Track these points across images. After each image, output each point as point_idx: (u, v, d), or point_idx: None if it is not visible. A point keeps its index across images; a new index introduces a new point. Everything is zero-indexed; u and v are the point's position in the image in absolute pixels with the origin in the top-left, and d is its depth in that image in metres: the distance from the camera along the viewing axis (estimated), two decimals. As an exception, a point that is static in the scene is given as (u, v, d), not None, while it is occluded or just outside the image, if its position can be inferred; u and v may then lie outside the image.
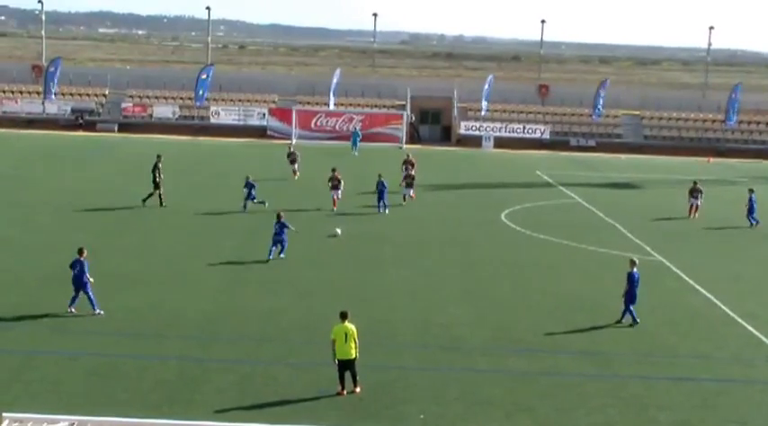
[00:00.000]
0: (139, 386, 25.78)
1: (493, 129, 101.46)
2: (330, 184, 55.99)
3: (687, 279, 41.36)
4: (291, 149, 71.23)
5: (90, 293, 32.73)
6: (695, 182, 60.68)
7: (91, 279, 32.74)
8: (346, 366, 25.81)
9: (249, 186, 54.37)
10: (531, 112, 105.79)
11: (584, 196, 65.44)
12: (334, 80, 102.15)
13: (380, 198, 55.18)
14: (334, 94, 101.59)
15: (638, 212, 59.98)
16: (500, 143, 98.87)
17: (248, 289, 36.55)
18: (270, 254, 41.41)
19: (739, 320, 35.10)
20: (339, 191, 55.70)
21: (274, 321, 32.52)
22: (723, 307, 36.81)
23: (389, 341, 30.42)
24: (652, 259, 45.40)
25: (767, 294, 39.19)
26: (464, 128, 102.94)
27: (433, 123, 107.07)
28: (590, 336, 32.54)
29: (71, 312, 32.57)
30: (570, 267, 42.81)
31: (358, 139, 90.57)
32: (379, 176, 55.76)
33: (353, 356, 25.80)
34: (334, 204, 55.13)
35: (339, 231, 46.15)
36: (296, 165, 68.20)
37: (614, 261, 44.13)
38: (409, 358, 29.11)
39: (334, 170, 56.79)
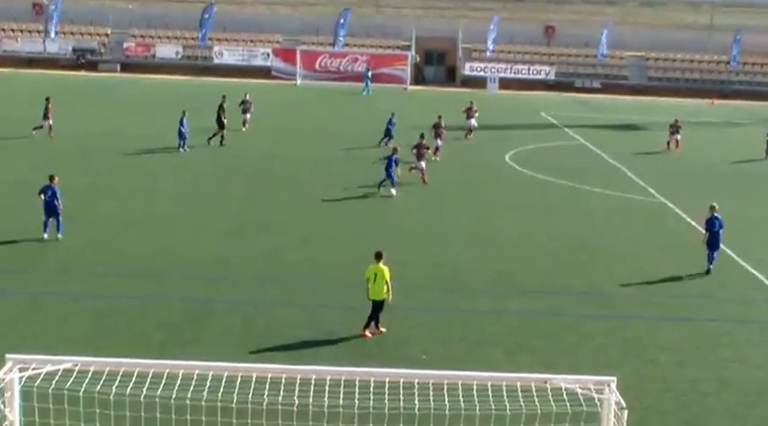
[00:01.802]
0: (143, 327, 25.95)
1: (498, 70, 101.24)
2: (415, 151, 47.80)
3: (690, 221, 41.40)
4: (246, 97, 63.43)
5: (60, 219, 33.78)
6: (676, 120, 62.89)
7: (61, 206, 33.54)
8: (375, 306, 25.71)
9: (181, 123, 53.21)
10: (536, 53, 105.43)
11: (589, 138, 65.41)
12: (342, 20, 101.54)
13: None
14: (342, 34, 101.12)
15: (643, 154, 59.97)
16: (505, 84, 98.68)
17: (253, 232, 36.64)
18: None
19: (741, 261, 35.20)
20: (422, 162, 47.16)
21: (278, 263, 32.66)
22: (725, 249, 36.86)
23: (394, 282, 30.53)
24: (656, 201, 45.48)
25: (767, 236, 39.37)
26: (469, 69, 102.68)
27: (438, 64, 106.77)
28: (592, 277, 32.68)
29: (45, 238, 33.53)
30: (574, 209, 42.89)
31: (369, 80, 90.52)
32: (394, 150, 45.73)
33: (383, 297, 25.62)
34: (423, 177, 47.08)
35: (394, 192, 43.06)
36: (248, 115, 62.20)
37: (618, 203, 44.29)
38: (414, 299, 29.22)
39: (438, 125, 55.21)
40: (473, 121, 62.66)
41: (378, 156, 51.30)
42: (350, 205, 41.71)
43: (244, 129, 60.98)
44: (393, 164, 43.79)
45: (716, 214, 33.49)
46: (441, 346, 25.20)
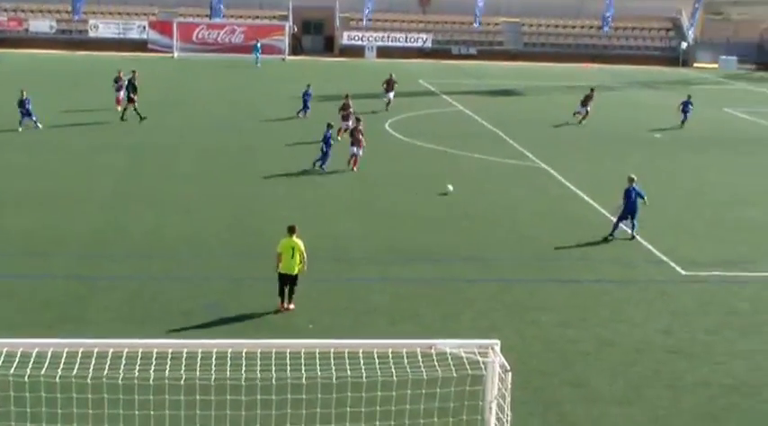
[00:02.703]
0: (30, 306, 25.63)
1: (375, 39, 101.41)
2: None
3: (568, 184, 42.13)
4: (120, 74, 59.72)
5: None
6: (592, 89, 62.00)
7: None
8: (288, 280, 25.45)
9: (23, 103, 51.36)
10: (412, 22, 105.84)
11: (467, 104, 65.97)
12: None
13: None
14: (220, 5, 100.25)
15: (520, 119, 60.73)
16: (383, 53, 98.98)
17: (134, 206, 36.31)
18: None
19: (619, 223, 35.87)
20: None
21: (160, 236, 32.47)
22: (603, 211, 37.61)
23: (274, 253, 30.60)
24: (535, 165, 46.14)
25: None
26: (347, 38, 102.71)
27: (316, 34, 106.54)
28: (475, 243, 33.07)
29: None
30: (455, 175, 43.22)
31: (259, 52, 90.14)
32: (328, 127, 44.14)
33: (296, 271, 25.39)
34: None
35: (451, 187, 39.74)
36: (121, 93, 58.31)
37: (497, 169, 44.81)
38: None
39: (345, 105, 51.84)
40: (392, 95, 62.21)
41: (287, 128, 51.06)
42: (231, 178, 41.50)
43: (119, 108, 57.77)
44: (330, 140, 43.49)
45: (634, 185, 34.15)
46: (327, 316, 25.32)
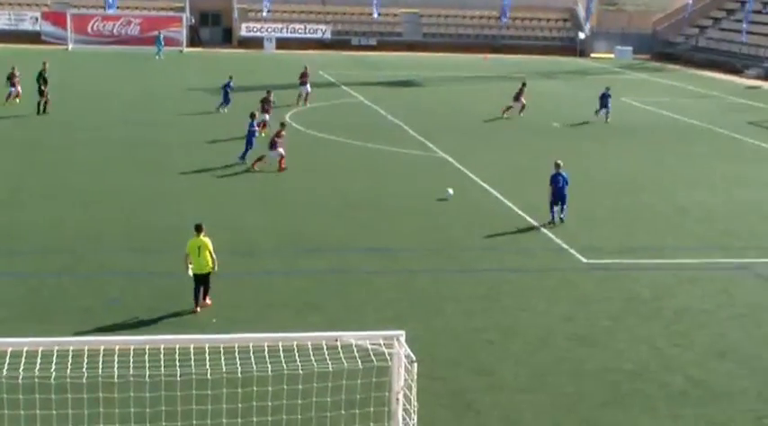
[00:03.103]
0: None
1: (274, 30, 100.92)
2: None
3: (469, 173, 42.35)
4: (14, 70, 57.82)
5: None
6: (524, 83, 60.79)
7: None
8: (201, 280, 25.01)
9: None
10: (311, 13, 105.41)
11: (367, 95, 65.97)
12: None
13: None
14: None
15: (420, 110, 60.87)
16: (282, 44, 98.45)
17: (32, 202, 35.68)
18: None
19: (520, 212, 36.16)
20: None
21: (59, 231, 31.96)
22: (503, 199, 37.89)
23: (181, 247, 30.27)
24: (436, 156, 46.29)
25: (541, 186, 40.34)
26: (245, 29, 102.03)
27: (214, 25, 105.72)
28: (378, 233, 33.09)
29: None
30: (356, 166, 43.24)
31: (162, 44, 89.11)
32: (252, 116, 44.56)
33: (208, 270, 24.98)
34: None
35: (451, 191, 38.09)
36: (18, 88, 57.01)
37: (399, 159, 44.86)
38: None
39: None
40: (308, 87, 61.37)
41: (199, 121, 50.55)
42: (130, 171, 40.98)
43: (11, 101, 56.46)
44: (255, 132, 43.26)
45: (561, 171, 34.55)
46: (231, 310, 25.09)
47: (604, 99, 58.35)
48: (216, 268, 25.11)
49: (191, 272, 24.92)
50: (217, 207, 35.66)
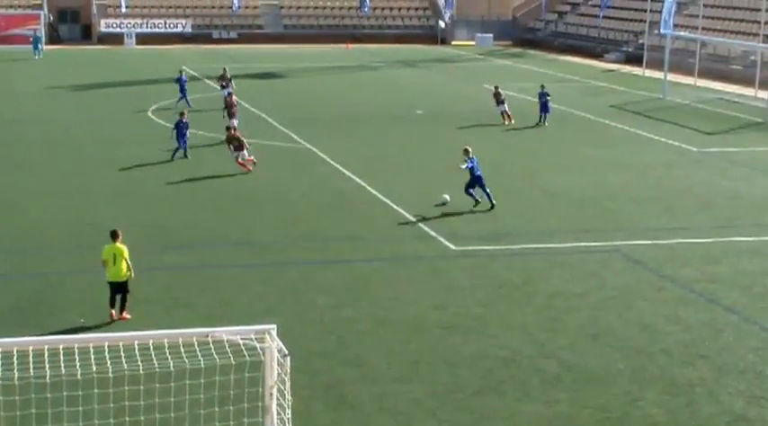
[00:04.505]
0: None
1: (134, 26, 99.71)
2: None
3: (334, 163, 42.28)
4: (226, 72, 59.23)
5: None
6: (497, 87, 54.91)
7: None
8: (117, 288, 24.03)
9: None
10: (171, 7, 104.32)
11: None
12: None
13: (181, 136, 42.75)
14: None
15: (283, 101, 60.67)
16: (143, 39, 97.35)
17: None
18: None
19: (387, 201, 36.18)
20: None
21: None
22: (370, 189, 37.88)
23: (43, 246, 29.61)
24: (300, 146, 46.13)
25: (409, 175, 40.50)
26: (104, 26, 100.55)
27: (73, 22, 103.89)
28: (245, 227, 32.79)
29: None
30: (220, 159, 42.81)
31: (39, 42, 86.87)
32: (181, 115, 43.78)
33: (125, 278, 24.05)
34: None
35: (447, 197, 35.60)
36: None
37: (264, 151, 44.50)
38: (64, 262, 28.51)
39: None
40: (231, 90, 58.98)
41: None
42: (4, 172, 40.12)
43: None
44: (185, 129, 42.42)
45: (471, 156, 35.00)
46: (97, 309, 24.56)
47: (543, 97, 53.42)
48: (133, 275, 24.22)
49: (107, 279, 24.05)
50: (73, 202, 35.11)
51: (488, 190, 35.17)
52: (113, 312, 24.17)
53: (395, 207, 35.27)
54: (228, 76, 57.35)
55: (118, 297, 24.23)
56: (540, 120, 53.42)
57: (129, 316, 24.18)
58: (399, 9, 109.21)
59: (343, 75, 76.32)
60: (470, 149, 35.47)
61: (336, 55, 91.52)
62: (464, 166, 34.98)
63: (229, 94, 51.69)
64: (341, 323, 24.30)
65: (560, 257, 30.30)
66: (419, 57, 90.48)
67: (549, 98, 53.59)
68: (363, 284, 27.40)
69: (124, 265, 24.03)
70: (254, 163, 40.53)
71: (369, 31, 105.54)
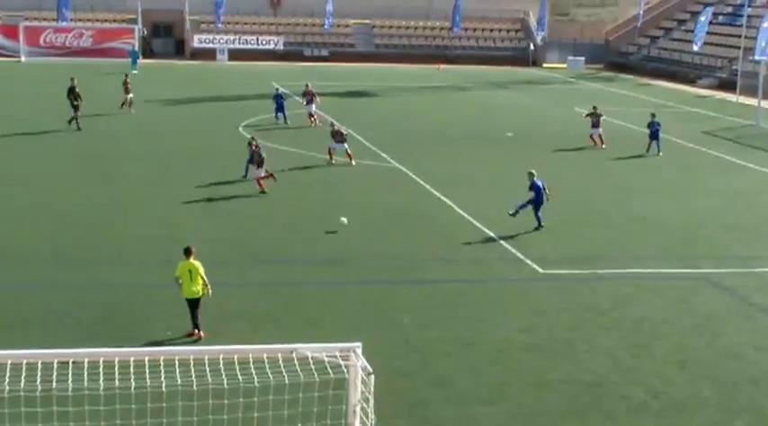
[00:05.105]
0: None
1: (227, 42, 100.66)
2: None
3: (422, 183, 42.19)
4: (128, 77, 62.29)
5: None
6: (595, 108, 54.03)
7: None
8: (193, 304, 24.00)
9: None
10: (263, 24, 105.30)
11: (320, 106, 65.59)
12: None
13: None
14: (67, 9, 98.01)
15: (374, 120, 60.73)
16: (235, 55, 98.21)
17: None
18: None
19: (474, 222, 36.00)
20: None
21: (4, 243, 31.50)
22: (458, 210, 37.71)
23: (131, 258, 29.83)
24: (388, 165, 46.10)
25: (498, 196, 40.26)
26: (197, 41, 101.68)
27: (166, 36, 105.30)
28: (331, 244, 32.78)
29: None
30: (310, 176, 42.96)
31: (138, 57, 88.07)
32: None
33: (200, 294, 23.93)
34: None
35: (345, 220, 34.71)
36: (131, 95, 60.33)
37: (351, 168, 44.55)
38: (152, 274, 28.68)
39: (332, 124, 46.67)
40: (314, 107, 58.57)
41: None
42: (93, 184, 40.55)
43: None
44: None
45: (535, 179, 34.78)
46: (183, 321, 24.65)
47: (652, 126, 51.73)
48: (210, 292, 24.07)
49: (184, 296, 23.99)
50: (161, 216, 35.40)
51: (540, 215, 35.10)
52: (199, 332, 24.13)
53: (483, 228, 35.07)
54: (312, 91, 58.59)
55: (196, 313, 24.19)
56: (648, 149, 51.98)
57: (203, 335, 23.94)
58: (491, 30, 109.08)
59: (434, 96, 76.29)
60: (534, 172, 35.32)
61: (427, 75, 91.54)
62: (538, 197, 34.96)
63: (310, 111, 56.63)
64: (426, 343, 24.16)
65: (648, 283, 29.87)
66: (510, 79, 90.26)
67: (659, 127, 51.65)
68: (449, 304, 27.23)
69: (200, 281, 23.96)
70: (275, 178, 40.22)
71: (460, 52, 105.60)
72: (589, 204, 39.69)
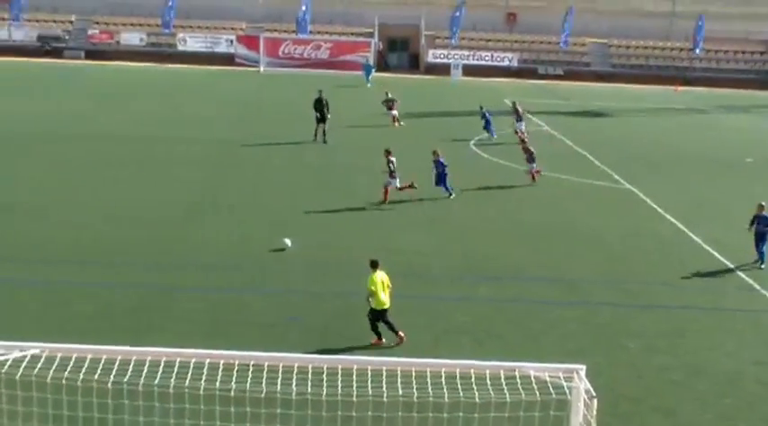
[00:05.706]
0: (106, 314, 25.52)
1: (461, 57, 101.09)
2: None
3: (655, 206, 41.31)
4: (389, 95, 63.87)
5: None
6: None
7: None
8: (382, 315, 24.34)
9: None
10: (498, 41, 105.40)
11: (553, 124, 65.23)
12: (303, 7, 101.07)
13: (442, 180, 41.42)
14: (305, 22, 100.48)
15: (607, 141, 59.90)
16: (468, 71, 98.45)
17: (214, 218, 36.13)
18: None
19: (707, 248, 35.06)
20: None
21: (244, 248, 32.23)
22: (691, 235, 36.78)
23: (352, 268, 30.08)
24: (620, 187, 45.34)
25: (733, 221, 39.06)
26: (432, 56, 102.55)
27: (402, 51, 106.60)
28: (559, 263, 32.41)
29: None
30: (541, 195, 42.63)
31: (372, 70, 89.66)
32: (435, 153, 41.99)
33: (389, 304, 24.35)
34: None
35: (289, 242, 32.64)
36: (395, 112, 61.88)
37: (584, 190, 44.07)
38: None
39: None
40: (523, 125, 59.37)
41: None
42: (326, 195, 41.24)
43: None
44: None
45: (765, 212, 32.81)
46: (406, 334, 24.71)
47: None
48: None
49: (374, 307, 24.28)
50: (383, 228, 35.65)
51: (764, 250, 33.08)
52: (401, 333, 24.41)
53: (717, 255, 34.07)
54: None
55: (381, 324, 24.44)
56: None
57: (383, 341, 24.36)
58: (734, 52, 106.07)
59: (670, 118, 74.75)
60: (765, 204, 33.22)
61: (664, 96, 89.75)
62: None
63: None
64: (653, 370, 23.56)
65: None
66: (753, 103, 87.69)
67: None
68: (679, 332, 26.50)
69: (388, 292, 24.31)
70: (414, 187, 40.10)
71: (700, 74, 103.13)
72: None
